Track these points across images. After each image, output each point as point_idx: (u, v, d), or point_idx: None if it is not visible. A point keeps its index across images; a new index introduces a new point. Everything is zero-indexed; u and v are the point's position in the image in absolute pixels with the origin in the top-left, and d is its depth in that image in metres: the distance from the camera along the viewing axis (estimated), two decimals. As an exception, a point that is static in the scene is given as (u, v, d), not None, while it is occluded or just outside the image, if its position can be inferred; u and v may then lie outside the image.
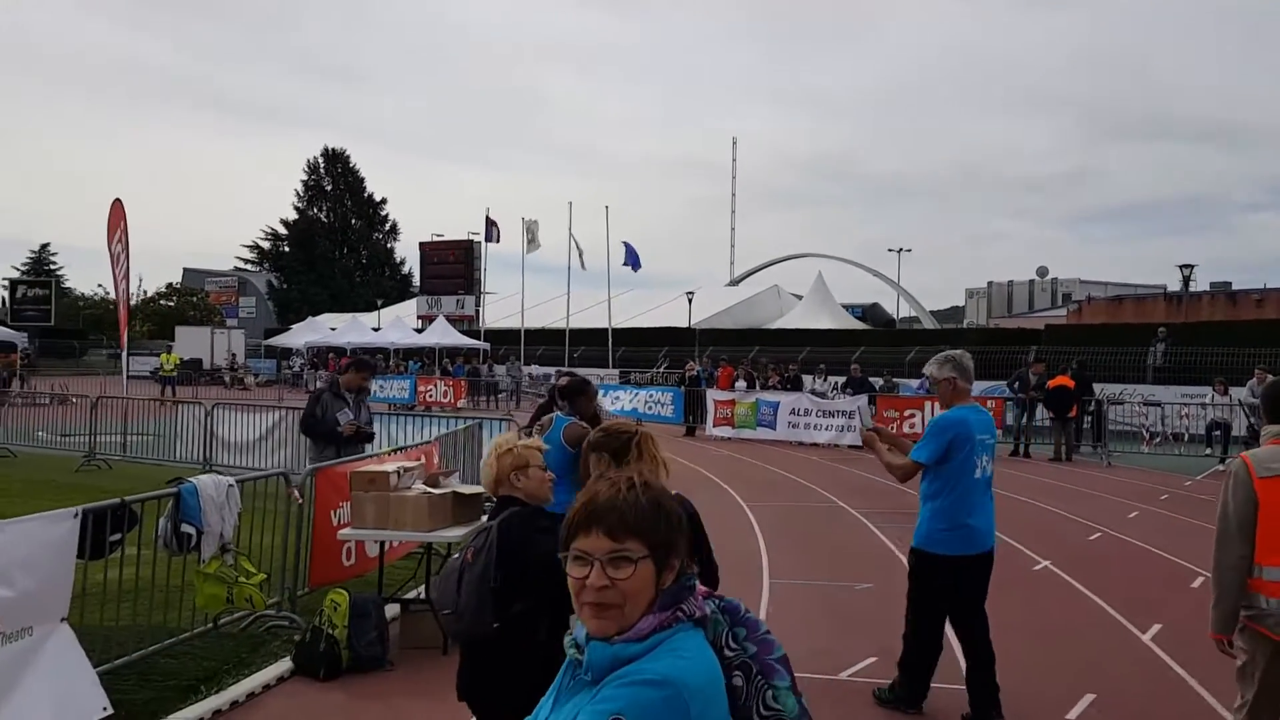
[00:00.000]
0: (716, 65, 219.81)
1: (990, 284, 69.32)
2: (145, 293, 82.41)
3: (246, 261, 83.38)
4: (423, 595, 6.50)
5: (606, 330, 42.83)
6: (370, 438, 9.01)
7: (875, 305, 58.21)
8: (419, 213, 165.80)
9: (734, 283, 70.67)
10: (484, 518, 3.99)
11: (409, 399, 30.56)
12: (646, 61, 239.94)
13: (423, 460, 7.58)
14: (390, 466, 6.31)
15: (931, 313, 75.77)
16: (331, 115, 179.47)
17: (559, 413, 6.50)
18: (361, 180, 79.83)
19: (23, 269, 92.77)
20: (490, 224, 44.37)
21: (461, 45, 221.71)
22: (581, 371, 38.12)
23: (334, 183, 78.97)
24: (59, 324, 67.93)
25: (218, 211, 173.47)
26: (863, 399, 20.51)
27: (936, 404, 5.82)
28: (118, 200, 19.17)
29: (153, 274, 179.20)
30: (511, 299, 50.57)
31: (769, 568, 9.17)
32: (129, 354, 21.49)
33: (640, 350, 41.51)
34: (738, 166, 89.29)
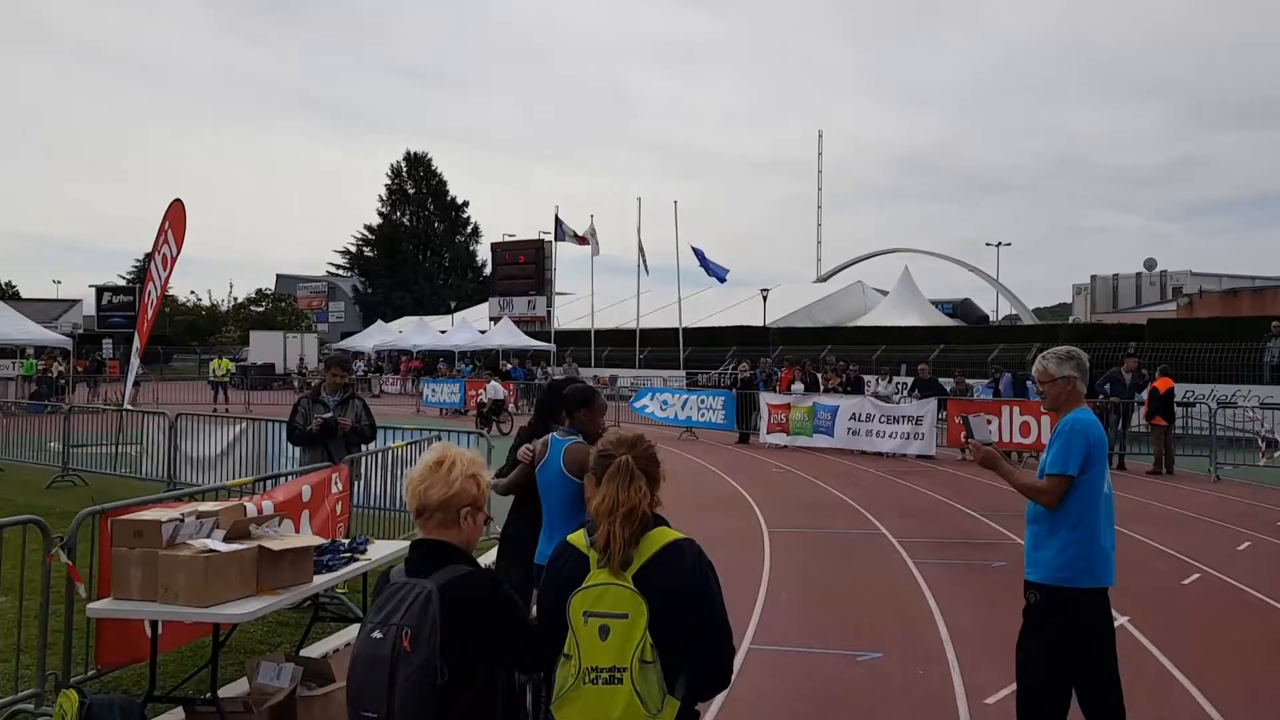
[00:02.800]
0: (804, 58, 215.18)
1: (1094, 278, 65.09)
2: (236, 299, 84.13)
3: (338, 267, 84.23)
4: (208, 695, 4.79)
5: (677, 330, 41.19)
6: (354, 430, 8.39)
7: (966, 301, 54.93)
8: (505, 215, 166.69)
9: (821, 279, 68.17)
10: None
11: (459, 404, 29.26)
12: (733, 56, 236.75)
13: (281, 516, 5.91)
14: (176, 512, 4.69)
15: (1035, 310, 71.78)
16: (422, 119, 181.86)
17: (556, 432, 4.95)
18: (444, 184, 79.83)
19: (127, 277, 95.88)
20: (559, 223, 43.07)
21: (548, 45, 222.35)
22: (646, 374, 36.94)
23: (416, 186, 79.08)
24: (156, 331, 69.49)
25: (317, 218, 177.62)
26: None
27: (1033, 408, 3.95)
28: (178, 201, 17.68)
29: (250, 280, 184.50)
30: (585, 300, 49.22)
31: (756, 626, 7.28)
32: (138, 364, 20.30)
33: (710, 350, 39.73)
34: (824, 161, 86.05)
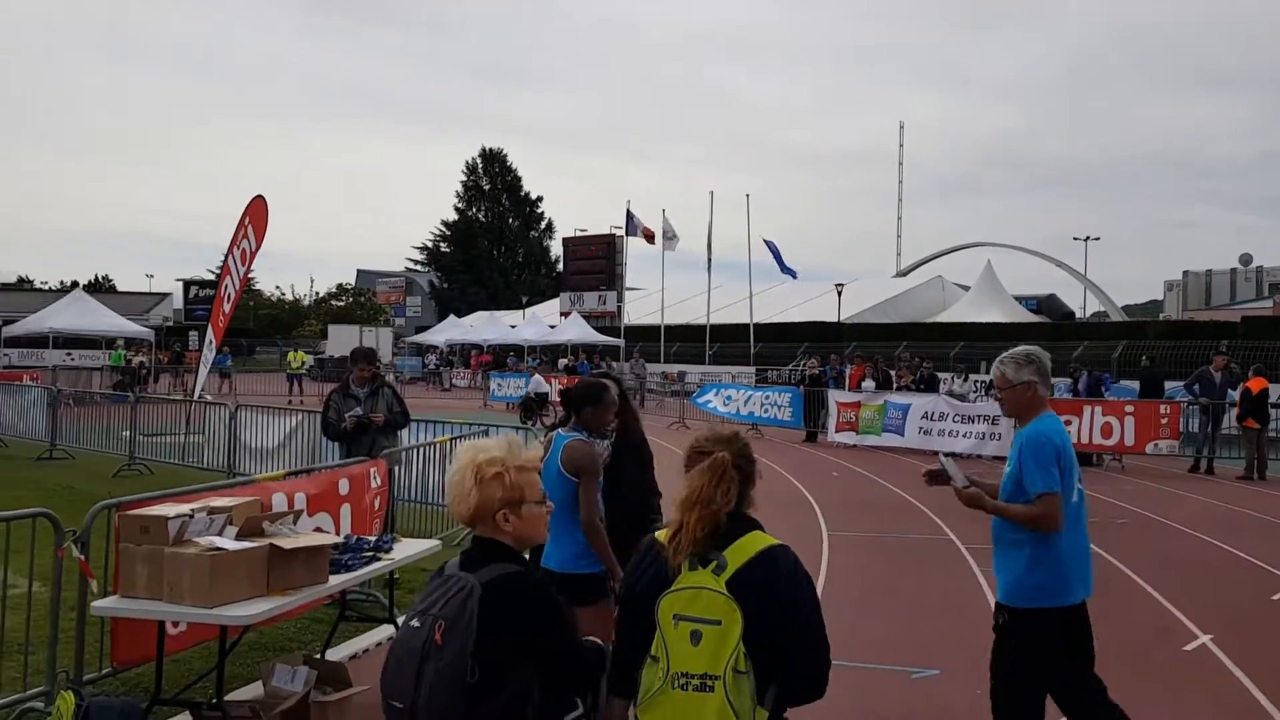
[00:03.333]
0: (883, 49, 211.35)
1: (1186, 274, 62.69)
2: (317, 293, 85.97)
3: (416, 262, 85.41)
4: (214, 700, 4.60)
5: (748, 326, 40.72)
6: (387, 424, 8.40)
7: (1051, 296, 53.39)
8: (579, 211, 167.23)
9: (901, 274, 66.91)
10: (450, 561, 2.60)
11: (522, 397, 29.19)
12: (811, 48, 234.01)
13: (291, 510, 5.74)
14: (186, 507, 4.53)
15: (1124, 307, 69.53)
16: (499, 116, 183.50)
17: (561, 429, 4.77)
18: (518, 179, 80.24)
19: (215, 271, 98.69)
20: (630, 218, 42.90)
21: (624, 39, 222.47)
22: (715, 370, 36.55)
23: (492, 182, 79.66)
24: (240, 324, 71.49)
25: (399, 214, 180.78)
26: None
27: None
28: (260, 197, 17.76)
29: (333, 275, 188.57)
30: (656, 295, 48.98)
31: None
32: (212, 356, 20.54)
33: (781, 347, 39.20)
34: (904, 153, 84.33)
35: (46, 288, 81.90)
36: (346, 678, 4.95)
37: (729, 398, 23.14)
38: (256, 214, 15.65)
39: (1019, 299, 49.31)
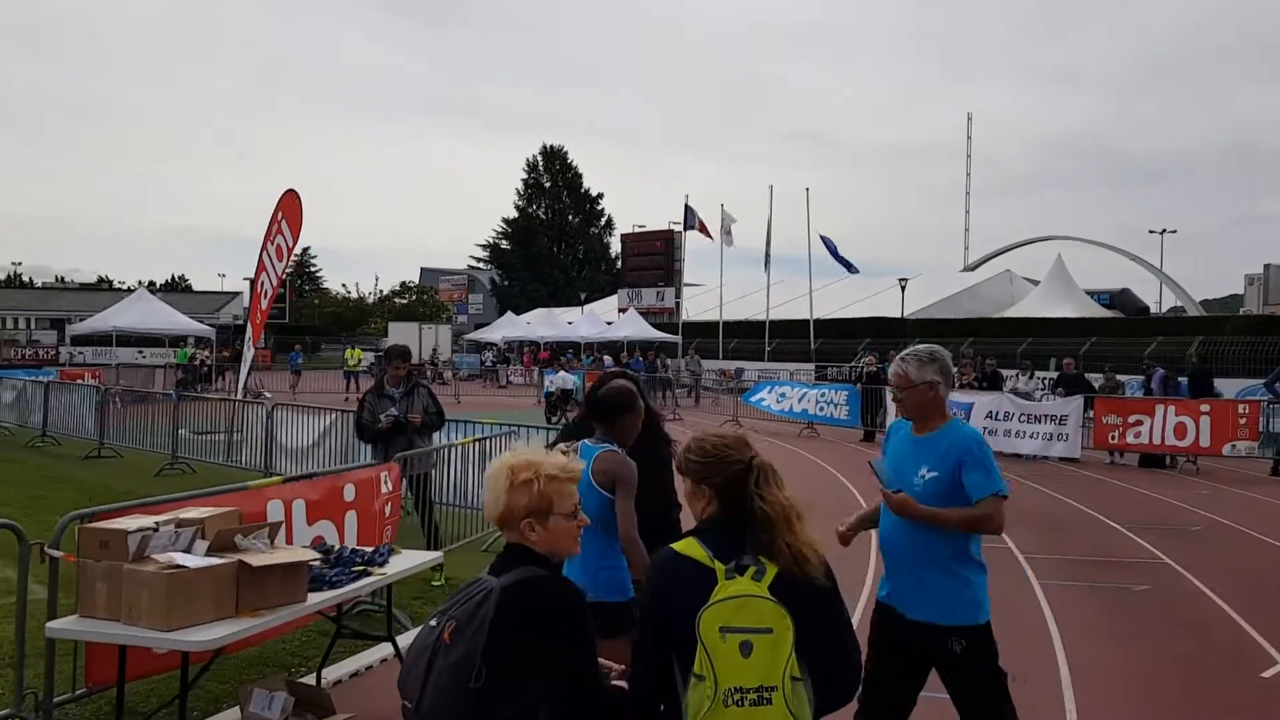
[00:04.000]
0: (949, 41, 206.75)
1: (1268, 267, 60.04)
2: (381, 291, 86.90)
3: (478, 260, 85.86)
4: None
5: (808, 322, 39.99)
6: (422, 425, 8.28)
7: (1125, 291, 51.49)
8: (639, 208, 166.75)
9: (969, 269, 65.33)
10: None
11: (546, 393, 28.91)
12: (875, 41, 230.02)
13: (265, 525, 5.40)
14: (150, 520, 4.19)
15: (1202, 302, 66.90)
16: (561, 113, 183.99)
17: (589, 440, 4.31)
18: (579, 176, 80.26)
19: (287, 271, 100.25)
20: (689, 212, 42.39)
21: (687, 36, 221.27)
22: (774, 367, 35.92)
23: (552, 180, 79.76)
24: (306, 322, 72.58)
25: (462, 212, 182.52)
26: (1074, 403, 16.82)
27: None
28: (291, 191, 17.69)
29: (398, 273, 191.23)
30: (715, 291, 48.43)
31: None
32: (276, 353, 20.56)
33: (842, 343, 38.44)
34: (972, 146, 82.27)
35: (124, 287, 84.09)
36: (329, 704, 4.60)
37: (782, 395, 22.51)
38: (290, 209, 15.48)
39: (1091, 293, 47.67)
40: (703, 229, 39.98)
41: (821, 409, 21.44)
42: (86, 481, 12.63)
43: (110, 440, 15.62)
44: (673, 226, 48.18)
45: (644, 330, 41.04)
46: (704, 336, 42.58)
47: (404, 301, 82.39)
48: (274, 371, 38.05)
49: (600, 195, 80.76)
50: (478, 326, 57.07)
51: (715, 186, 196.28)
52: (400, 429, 8.16)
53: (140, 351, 43.78)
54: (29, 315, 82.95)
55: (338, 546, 5.27)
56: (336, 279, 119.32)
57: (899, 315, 41.78)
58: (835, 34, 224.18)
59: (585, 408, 4.97)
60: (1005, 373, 21.21)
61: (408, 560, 5.28)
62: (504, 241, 79.52)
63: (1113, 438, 16.97)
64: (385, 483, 6.68)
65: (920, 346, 4.01)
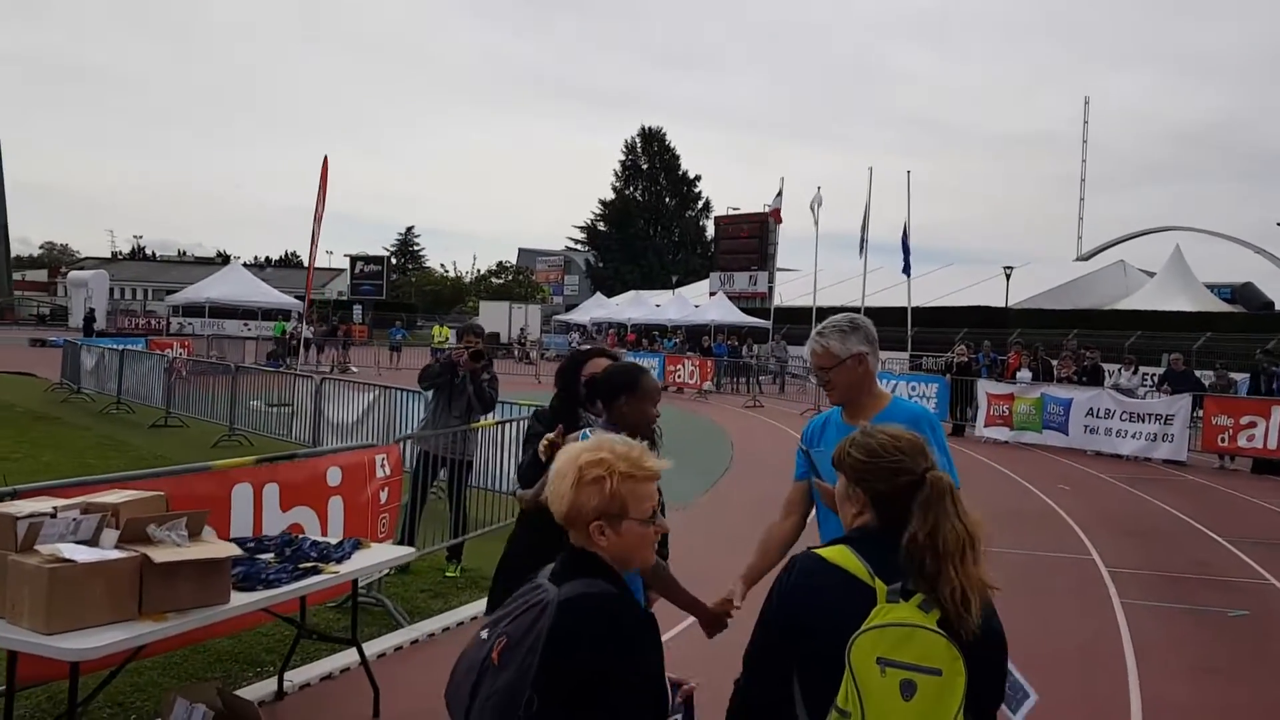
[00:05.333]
0: (1069, 25, 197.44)
1: None
2: (479, 271, 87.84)
3: (576, 242, 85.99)
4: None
5: (905, 310, 38.52)
6: (478, 390, 7.79)
7: (1248, 285, 48.34)
8: (738, 191, 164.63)
9: (1082, 259, 62.44)
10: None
11: (657, 378, 28.31)
12: (992, 24, 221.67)
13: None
14: (55, 503, 3.71)
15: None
16: (664, 96, 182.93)
17: (589, 430, 3.61)
18: (676, 158, 79.46)
19: (391, 249, 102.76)
20: (780, 197, 41.22)
21: (792, 18, 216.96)
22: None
23: (650, 162, 79.15)
24: (403, 298, 73.93)
25: (563, 193, 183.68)
26: (1181, 402, 15.54)
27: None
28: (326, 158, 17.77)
29: (498, 253, 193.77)
30: (809, 276, 47.16)
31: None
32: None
33: (941, 332, 36.87)
34: (1090, 133, 78.60)
35: (241, 261, 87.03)
36: (255, 718, 4.08)
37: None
38: (324, 177, 15.41)
39: (1211, 287, 44.83)
40: (775, 215, 38.91)
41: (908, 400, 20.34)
42: (142, 450, 12.57)
43: (176, 410, 15.65)
44: (766, 209, 47.06)
45: (732, 314, 40.15)
46: (796, 322, 41.45)
47: (500, 281, 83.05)
48: (373, 347, 38.40)
49: (698, 178, 79.87)
50: (570, 308, 56.92)
51: (816, 170, 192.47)
52: (461, 388, 7.71)
53: (245, 324, 44.86)
54: (147, 286, 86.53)
55: (300, 538, 4.75)
56: (439, 258, 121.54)
57: (1003, 305, 40.01)
58: (949, 16, 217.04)
59: (563, 386, 4.34)
60: (1108, 367, 19.80)
61: (375, 555, 4.74)
62: (600, 223, 79.29)
63: (1223, 440, 15.58)
64: (382, 466, 6.16)
65: (838, 317, 3.45)
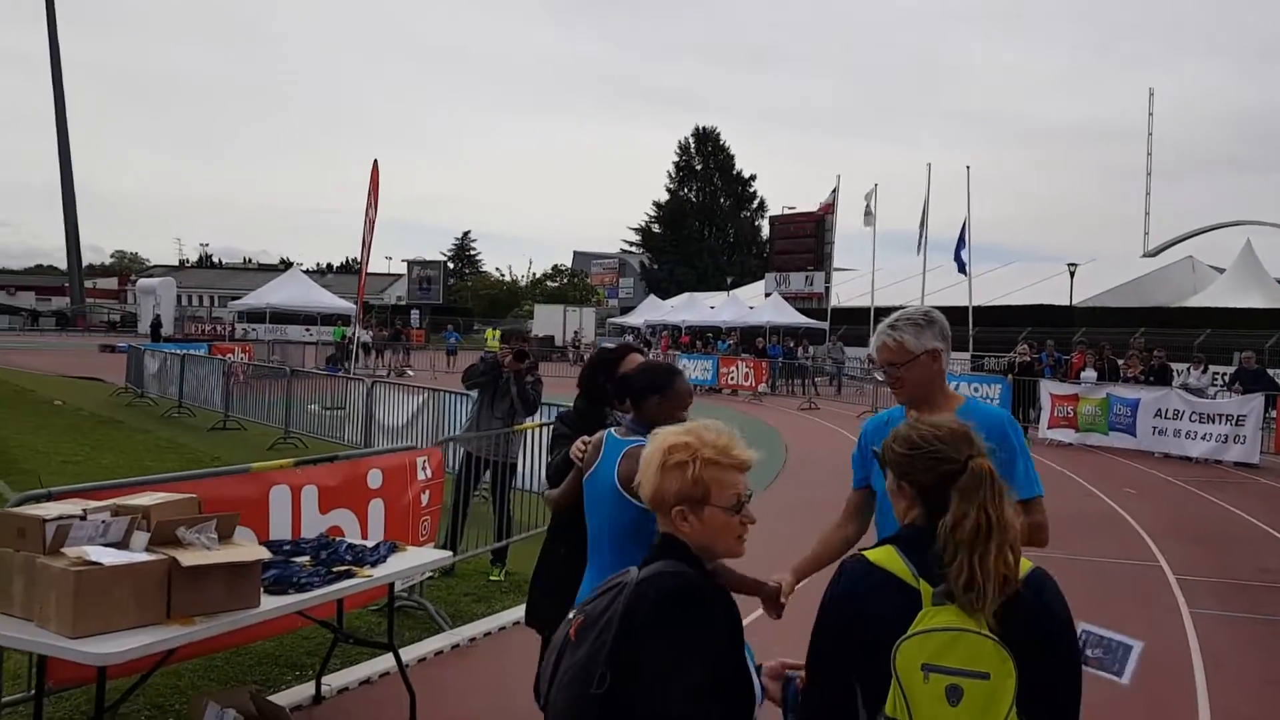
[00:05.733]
0: (1140, 11, 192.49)
1: None
2: (534, 274, 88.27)
3: (630, 244, 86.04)
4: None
5: (966, 309, 37.85)
6: (521, 391, 7.74)
7: (1327, 280, 46.70)
8: (797, 190, 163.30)
9: (1149, 255, 60.84)
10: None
11: (711, 380, 28.09)
12: (1056, 14, 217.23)
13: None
14: (85, 505, 3.69)
15: None
16: (722, 95, 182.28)
17: (614, 430, 3.52)
18: (731, 158, 78.98)
19: (448, 254, 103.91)
20: (836, 194, 40.81)
21: (849, 11, 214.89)
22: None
23: (704, 162, 78.80)
24: (459, 302, 74.56)
25: (617, 195, 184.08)
26: (1253, 402, 14.99)
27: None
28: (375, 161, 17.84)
29: (553, 256, 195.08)
30: (867, 276, 46.59)
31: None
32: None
33: (1003, 331, 36.13)
34: (1156, 124, 76.57)
35: (303, 268, 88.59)
36: (287, 724, 4.03)
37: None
38: (375, 180, 15.46)
39: (1282, 282, 43.42)
40: (825, 210, 38.48)
41: (968, 401, 19.89)
42: (199, 453, 12.75)
43: (235, 413, 15.87)
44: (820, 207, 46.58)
45: (787, 315, 39.72)
46: (853, 323, 40.98)
47: (555, 285, 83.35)
48: (429, 351, 38.74)
49: (752, 177, 79.18)
50: (625, 311, 56.94)
51: (873, 167, 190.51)
52: (505, 389, 7.67)
53: (307, 329, 45.54)
54: (213, 293, 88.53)
55: (336, 541, 4.70)
56: (496, 262, 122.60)
57: (1067, 303, 39.11)
58: (1011, 7, 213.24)
59: (589, 386, 4.20)
60: (1176, 366, 19.18)
61: (411, 559, 4.67)
62: (655, 225, 79.14)
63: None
64: (423, 469, 6.10)
65: (913, 309, 3.19)
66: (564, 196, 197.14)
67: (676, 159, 78.85)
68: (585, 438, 3.74)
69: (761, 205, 78.40)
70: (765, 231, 75.78)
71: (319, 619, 4.60)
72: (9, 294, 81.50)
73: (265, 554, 3.89)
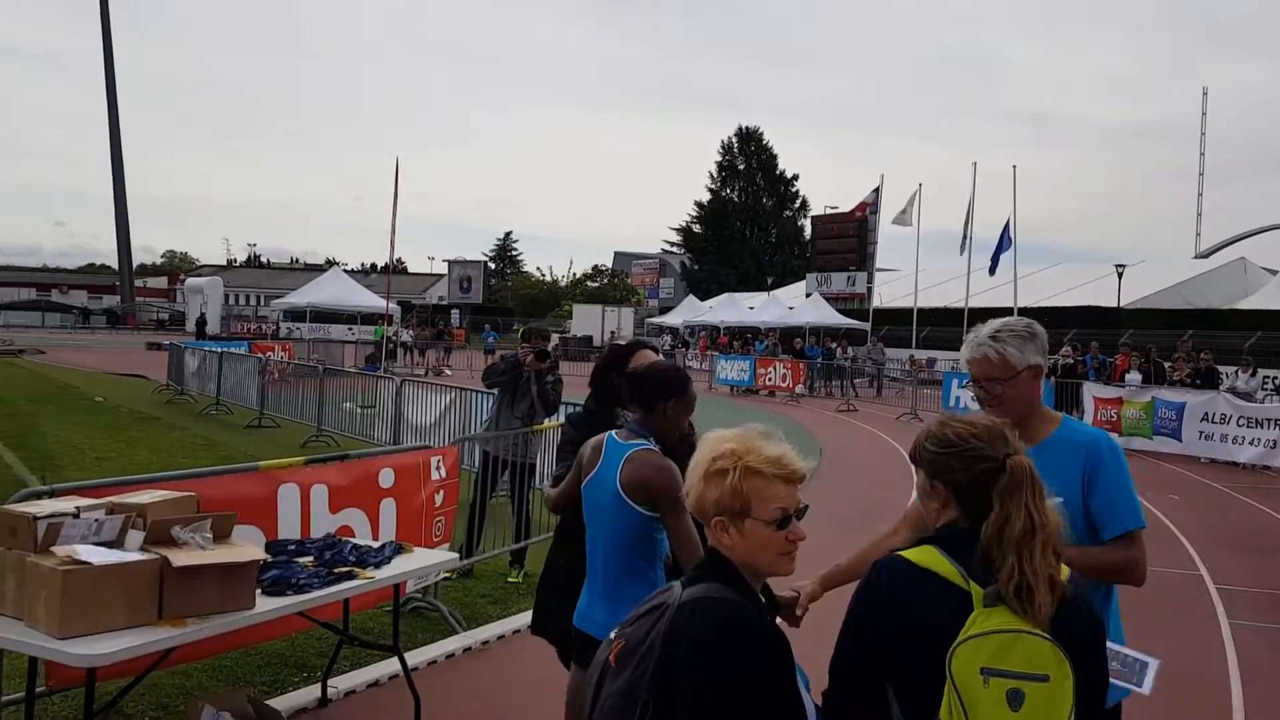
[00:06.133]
0: (1195, 11, 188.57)
1: None
2: (574, 275, 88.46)
3: (672, 244, 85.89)
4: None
5: (1010, 310, 37.27)
6: (541, 391, 7.61)
7: (1385, 282, 45.40)
8: (840, 189, 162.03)
9: (1201, 256, 59.57)
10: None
11: (748, 381, 27.86)
12: (1109, 14, 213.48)
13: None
14: (79, 503, 3.66)
15: None
16: (762, 95, 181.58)
17: (616, 433, 3.41)
18: (774, 158, 78.55)
19: (490, 254, 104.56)
20: (878, 194, 40.42)
21: (895, 11, 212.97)
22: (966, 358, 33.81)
23: (747, 162, 78.45)
24: (500, 302, 74.96)
25: (659, 196, 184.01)
26: None
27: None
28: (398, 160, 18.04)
29: (594, 256, 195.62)
30: (910, 277, 46.04)
31: None
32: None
33: (1048, 334, 35.55)
34: (1210, 124, 74.93)
35: (347, 268, 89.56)
36: (283, 728, 3.98)
37: (965, 386, 20.76)
38: (397, 178, 15.56)
39: (1344, 284, 42.21)
40: (861, 209, 38.04)
41: (1010, 405, 19.53)
42: (231, 450, 12.85)
43: (271, 411, 16.00)
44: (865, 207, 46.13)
45: (828, 316, 39.37)
46: (895, 324, 40.52)
47: (595, 285, 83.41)
48: (468, 350, 38.91)
49: (795, 177, 78.72)
50: (665, 311, 56.82)
51: (918, 167, 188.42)
52: (525, 388, 7.58)
53: (350, 328, 45.98)
54: (260, 292, 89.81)
55: (341, 541, 4.63)
56: (537, 262, 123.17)
57: (1115, 305, 38.37)
58: (1058, 4, 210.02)
59: (599, 385, 4.11)
60: (1224, 369, 18.69)
61: (417, 560, 4.60)
62: (696, 225, 78.93)
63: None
64: (438, 468, 6.04)
65: (1012, 319, 2.93)
66: (606, 197, 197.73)
67: (719, 159, 78.65)
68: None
69: (804, 205, 77.92)
70: (808, 231, 75.36)
71: (322, 621, 4.55)
72: (62, 293, 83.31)
73: (260, 554, 3.83)
